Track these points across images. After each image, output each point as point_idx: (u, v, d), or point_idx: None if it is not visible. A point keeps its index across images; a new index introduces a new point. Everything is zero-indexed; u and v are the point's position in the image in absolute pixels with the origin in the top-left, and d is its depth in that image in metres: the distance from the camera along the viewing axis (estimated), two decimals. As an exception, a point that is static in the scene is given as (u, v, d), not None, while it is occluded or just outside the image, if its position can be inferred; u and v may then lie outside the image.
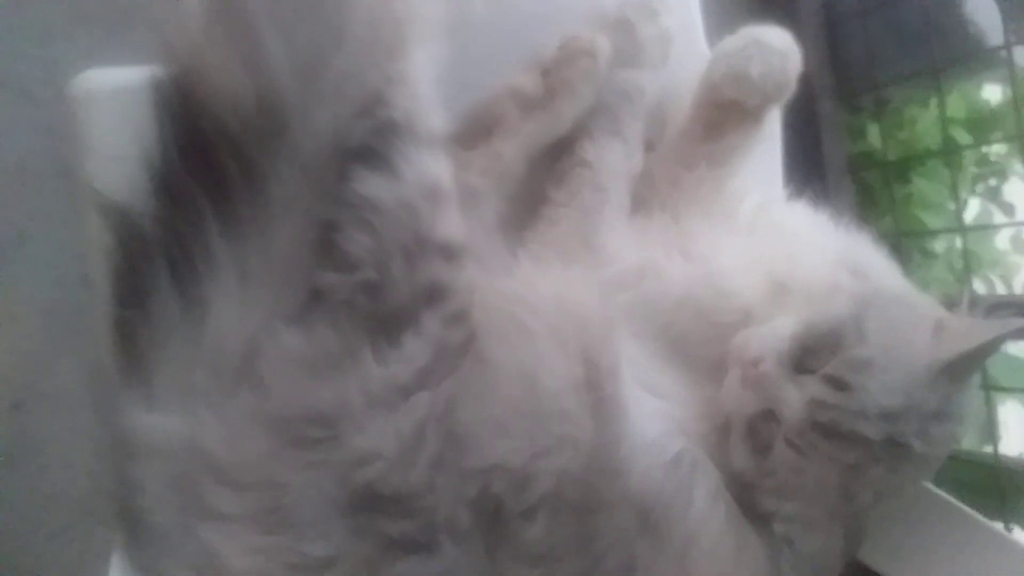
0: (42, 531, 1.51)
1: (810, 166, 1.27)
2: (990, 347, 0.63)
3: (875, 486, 0.66)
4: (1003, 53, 1.17)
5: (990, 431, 1.22)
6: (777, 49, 0.76)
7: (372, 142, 0.66)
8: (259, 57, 0.62)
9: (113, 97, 0.70)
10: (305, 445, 0.60)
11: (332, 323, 0.64)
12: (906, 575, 0.76)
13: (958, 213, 1.33)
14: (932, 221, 1.77)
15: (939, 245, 1.84)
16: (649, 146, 0.85)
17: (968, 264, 1.18)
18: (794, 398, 0.65)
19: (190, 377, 0.61)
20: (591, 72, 0.78)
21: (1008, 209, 1.91)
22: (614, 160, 0.80)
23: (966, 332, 0.65)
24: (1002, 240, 1.99)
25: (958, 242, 1.81)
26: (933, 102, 1.50)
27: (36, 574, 1.50)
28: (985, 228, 1.67)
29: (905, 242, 1.69)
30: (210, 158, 0.64)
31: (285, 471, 0.60)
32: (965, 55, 1.27)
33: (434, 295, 0.65)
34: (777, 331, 0.68)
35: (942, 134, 1.59)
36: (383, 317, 0.64)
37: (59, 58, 1.43)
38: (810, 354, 0.66)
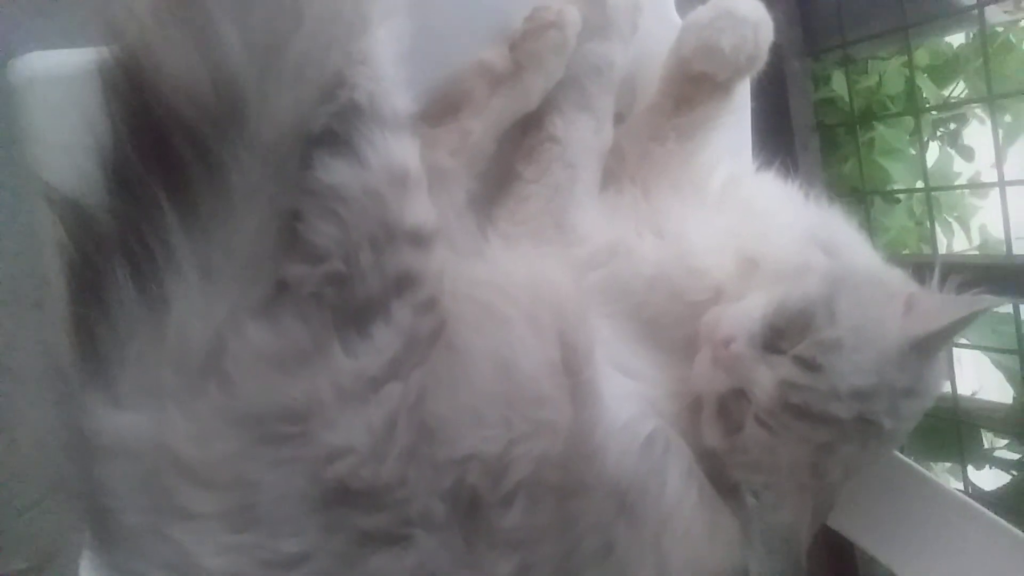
0: (12, 506, 1.49)
1: (777, 125, 1.26)
2: (960, 324, 0.64)
3: (845, 462, 0.67)
4: (975, 12, 1.15)
5: (948, 376, 1.24)
6: (749, 20, 0.74)
7: (335, 127, 0.64)
8: (213, 40, 0.59)
9: (57, 81, 0.66)
10: (275, 442, 0.59)
11: (299, 315, 0.62)
12: (873, 540, 0.78)
13: (923, 163, 1.33)
14: (893, 167, 1.78)
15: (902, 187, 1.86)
16: (619, 118, 0.84)
17: (932, 215, 1.18)
18: (765, 378, 0.65)
19: (155, 375, 0.60)
20: (559, 45, 0.76)
21: (967, 153, 1.94)
22: (584, 135, 0.79)
23: (937, 309, 0.65)
24: (961, 183, 2.03)
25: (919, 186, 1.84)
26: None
27: (7, 550, 1.48)
28: (952, 188, 1.66)
29: (867, 186, 1.71)
30: (165, 146, 0.61)
31: (255, 469, 0.59)
32: (935, 13, 1.26)
33: (404, 283, 0.64)
34: (748, 310, 0.68)
35: (907, 88, 1.58)
36: (352, 308, 0.63)
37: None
38: (781, 334, 0.66)
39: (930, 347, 0.65)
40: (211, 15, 0.59)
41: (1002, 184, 1.04)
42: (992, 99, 1.06)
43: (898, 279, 0.70)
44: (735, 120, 0.84)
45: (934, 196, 1.96)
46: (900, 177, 1.83)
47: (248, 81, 0.60)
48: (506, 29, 0.78)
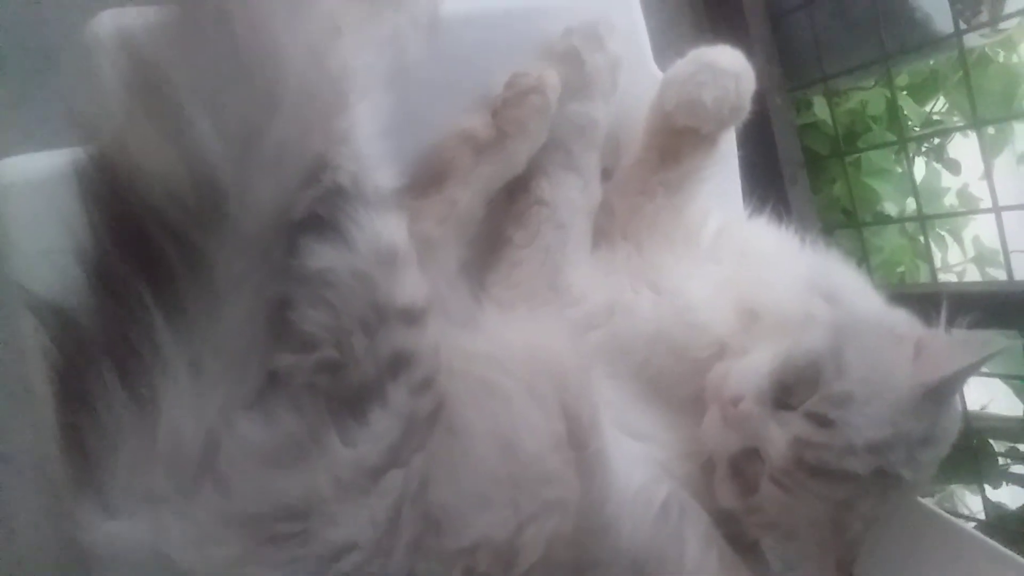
0: (12, 600, 1.45)
1: (764, 161, 1.26)
2: (973, 368, 0.62)
3: (866, 516, 0.65)
4: (955, 40, 1.16)
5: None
6: (730, 71, 0.74)
7: (319, 211, 0.63)
8: (188, 133, 0.59)
9: (33, 186, 0.65)
10: (276, 542, 0.57)
11: (293, 406, 0.60)
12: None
13: (914, 188, 1.32)
14: (882, 187, 1.78)
15: (891, 208, 1.87)
16: (606, 174, 0.83)
17: (928, 243, 1.17)
18: (777, 437, 0.64)
19: (148, 479, 0.58)
20: (542, 109, 0.75)
21: (954, 167, 1.94)
22: (572, 196, 0.78)
23: (948, 353, 0.64)
24: (950, 198, 2.04)
25: (909, 204, 1.84)
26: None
27: (7, 643, 1.44)
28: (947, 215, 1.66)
29: (858, 209, 1.71)
30: (146, 244, 0.60)
31: (259, 572, 0.56)
32: (914, 42, 1.27)
33: (399, 365, 0.63)
34: (754, 367, 0.66)
35: (888, 110, 1.58)
36: (347, 395, 0.61)
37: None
38: (790, 390, 0.64)
39: (944, 393, 0.63)
40: (184, 108, 0.58)
41: (997, 210, 1.04)
42: (977, 125, 1.06)
43: (904, 321, 0.69)
44: (722, 169, 0.83)
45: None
46: (889, 196, 1.84)
47: (227, 173, 0.59)
48: (487, 94, 0.78)
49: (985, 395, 1.81)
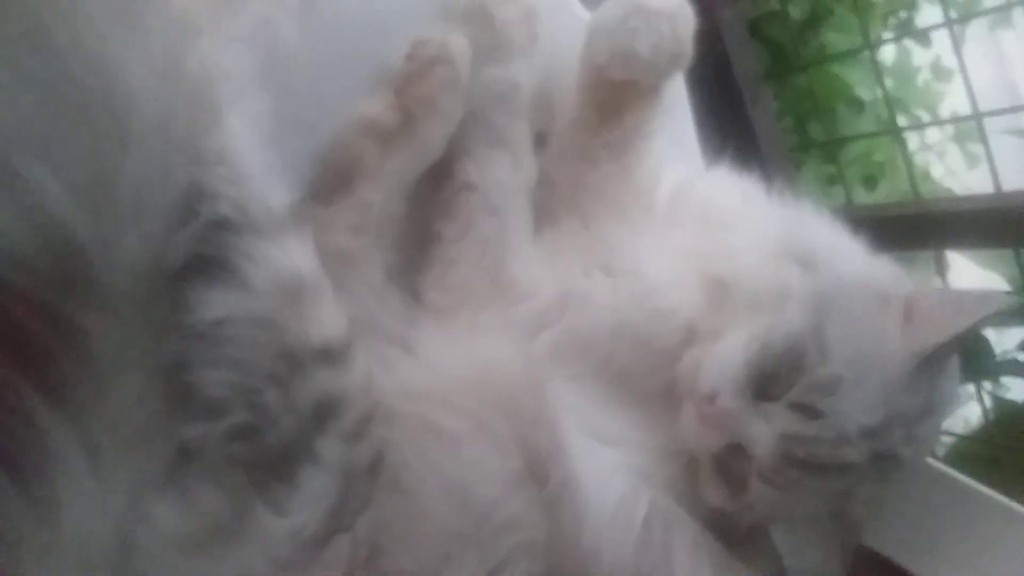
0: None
1: (720, 85, 1.18)
2: (971, 330, 0.57)
3: (866, 500, 0.61)
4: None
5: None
6: (663, 12, 0.65)
7: (203, 250, 0.55)
8: (26, 192, 0.50)
9: None
10: None
11: (212, 480, 0.55)
12: (913, 556, 0.72)
13: (887, 103, 1.25)
14: (849, 74, 1.72)
15: (865, 93, 1.81)
16: (541, 140, 0.76)
17: (909, 163, 1.11)
18: (762, 432, 0.59)
19: None
20: (451, 81, 0.67)
21: (923, 39, 1.88)
22: (503, 175, 0.71)
23: (941, 313, 0.59)
24: (924, 73, 1.98)
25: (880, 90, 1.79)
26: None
27: None
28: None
29: (829, 98, 1.63)
30: (11, 327, 0.52)
31: None
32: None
33: (325, 413, 0.57)
34: (728, 355, 0.61)
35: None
36: (270, 459, 0.55)
37: None
38: (770, 379, 0.60)
39: (940, 359, 0.58)
40: (16, 166, 0.49)
41: (978, 116, 0.97)
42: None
43: (890, 278, 0.64)
44: (673, 119, 0.76)
45: (899, 99, 1.92)
46: (859, 82, 1.77)
47: (81, 230, 0.51)
48: (387, 71, 0.69)
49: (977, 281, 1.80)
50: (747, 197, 0.72)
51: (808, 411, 0.57)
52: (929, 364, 0.58)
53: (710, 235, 0.69)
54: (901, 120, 1.88)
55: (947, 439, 1.20)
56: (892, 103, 1.69)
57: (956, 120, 1.54)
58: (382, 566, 0.54)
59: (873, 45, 1.18)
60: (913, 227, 0.98)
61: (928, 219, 0.96)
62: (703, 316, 0.65)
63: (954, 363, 0.63)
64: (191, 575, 0.53)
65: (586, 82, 0.72)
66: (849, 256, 0.65)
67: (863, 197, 1.70)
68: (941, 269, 1.10)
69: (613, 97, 0.71)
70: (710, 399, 0.60)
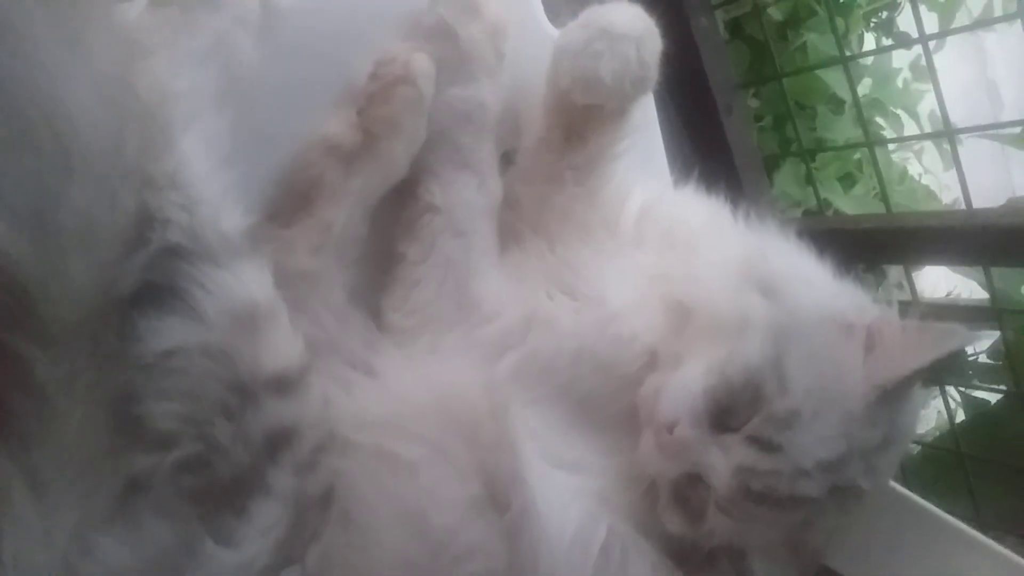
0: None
1: (694, 93, 1.16)
2: (934, 365, 0.56)
3: (825, 529, 0.61)
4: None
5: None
6: (629, 36, 0.64)
7: (153, 278, 0.54)
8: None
9: None
10: None
11: (161, 513, 0.53)
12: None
13: (859, 113, 1.23)
14: (829, 76, 1.71)
15: (846, 94, 1.79)
16: (508, 158, 0.75)
17: (880, 178, 1.10)
18: (719, 463, 0.58)
19: None
20: (414, 101, 0.66)
21: (904, 40, 1.87)
22: (468, 196, 0.69)
23: (903, 346, 0.58)
24: (904, 72, 1.97)
25: (864, 86, 1.76)
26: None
27: None
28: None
29: (808, 98, 1.61)
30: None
31: None
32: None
33: (277, 444, 0.56)
34: (687, 383, 0.60)
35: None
36: (221, 491, 0.54)
37: None
38: (728, 410, 0.59)
39: (900, 393, 0.57)
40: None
41: (950, 133, 0.96)
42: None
43: (853, 305, 0.63)
44: (642, 137, 0.74)
45: (878, 100, 1.91)
46: (840, 84, 1.76)
47: (23, 261, 0.50)
48: (347, 89, 0.67)
49: (951, 284, 1.80)
50: (713, 218, 0.71)
51: (766, 444, 0.56)
52: (889, 397, 0.57)
53: (675, 256, 0.69)
54: (879, 122, 1.89)
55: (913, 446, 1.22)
56: (869, 107, 1.69)
57: (929, 136, 1.53)
58: (332, 602, 0.53)
59: (849, 59, 1.16)
60: (883, 242, 0.97)
61: (899, 234, 0.96)
62: (664, 341, 0.65)
63: (916, 393, 0.63)
64: (136, 616, 0.52)
65: (551, 104, 0.71)
66: (811, 283, 0.64)
67: (840, 197, 1.69)
68: (909, 274, 1.10)
69: (578, 119, 0.70)
70: (668, 428, 0.59)
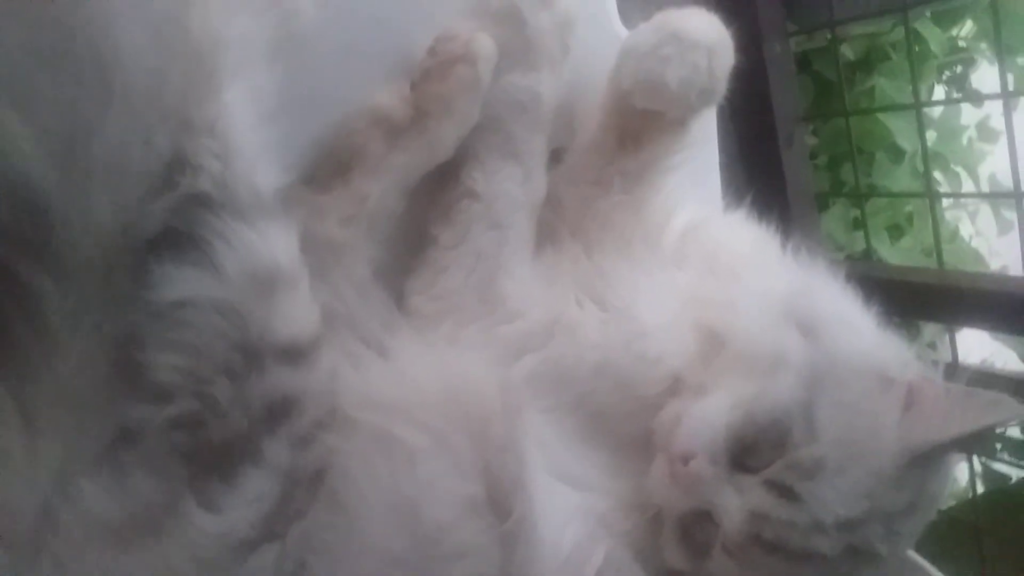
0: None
1: (757, 119, 1.12)
2: (974, 436, 0.53)
3: (833, 592, 0.56)
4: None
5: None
6: (701, 44, 0.61)
7: (177, 224, 0.52)
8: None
9: None
10: None
11: (150, 468, 0.51)
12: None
13: (926, 164, 1.19)
14: (894, 123, 1.67)
15: (907, 143, 1.75)
16: (556, 157, 0.72)
17: (935, 216, 1.06)
18: (732, 504, 0.55)
19: None
20: (471, 83, 0.63)
21: (975, 97, 1.82)
22: (510, 189, 0.67)
23: (945, 410, 0.55)
24: (970, 131, 1.92)
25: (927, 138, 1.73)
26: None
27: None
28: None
29: (868, 143, 1.56)
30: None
31: None
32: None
33: (277, 413, 0.54)
34: (710, 416, 0.57)
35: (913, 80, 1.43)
36: (212, 454, 0.52)
37: None
38: (750, 450, 0.56)
39: (933, 460, 0.54)
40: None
41: (1018, 195, 0.91)
42: (999, 45, 0.91)
43: (896, 360, 0.59)
44: (697, 155, 0.71)
45: (940, 154, 1.85)
46: (902, 133, 1.72)
47: (49, 186, 0.49)
48: (406, 62, 0.65)
49: (987, 350, 1.74)
50: (760, 247, 0.68)
51: (784, 491, 0.53)
52: (922, 462, 0.54)
53: (714, 282, 0.65)
54: (937, 178, 1.83)
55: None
56: (931, 161, 1.63)
57: (996, 196, 1.47)
58: (305, 583, 0.51)
59: (922, 104, 1.11)
60: (932, 298, 0.93)
61: (950, 292, 0.91)
62: (691, 367, 0.62)
63: (950, 461, 0.59)
64: (106, 563, 0.50)
65: (610, 105, 0.68)
66: (855, 329, 0.61)
67: (886, 247, 1.65)
68: (953, 335, 1.05)
69: (635, 125, 0.67)
70: (684, 459, 0.56)
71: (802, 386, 0.55)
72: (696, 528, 0.58)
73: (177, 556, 0.50)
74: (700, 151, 0.74)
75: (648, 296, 0.65)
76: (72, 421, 0.52)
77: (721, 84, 0.64)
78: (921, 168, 1.75)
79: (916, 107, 1.11)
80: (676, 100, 0.62)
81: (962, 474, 1.29)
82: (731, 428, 0.56)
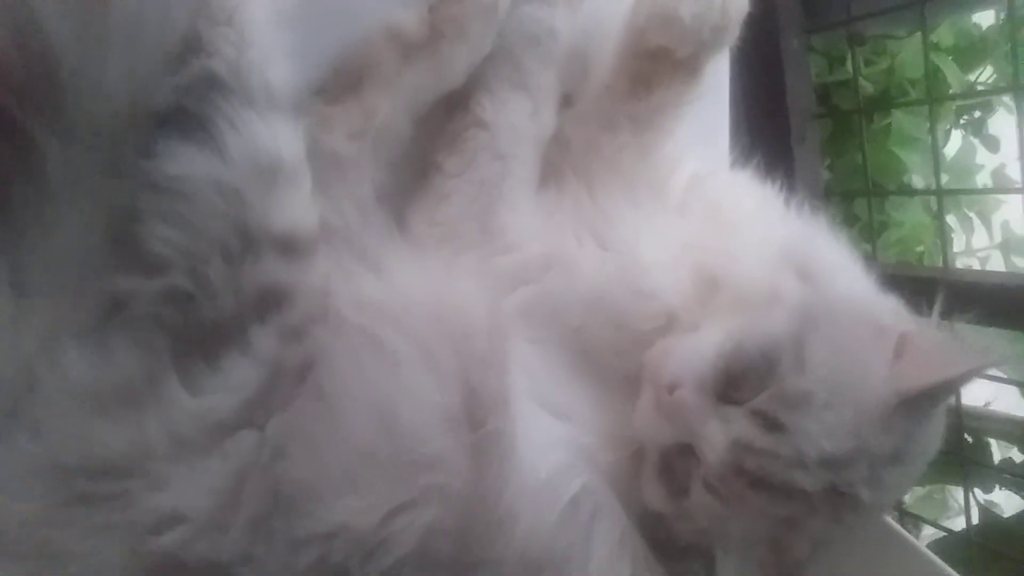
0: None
1: (771, 111, 1.13)
2: (962, 381, 0.52)
3: (813, 537, 0.57)
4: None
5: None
6: (716, -19, 0.61)
7: (187, 103, 0.53)
8: (14, 4, 0.47)
9: None
10: (87, 503, 0.49)
11: (134, 341, 0.52)
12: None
13: (936, 159, 1.19)
14: (909, 158, 1.66)
15: (918, 180, 1.75)
16: (566, 101, 0.72)
17: (943, 223, 1.05)
18: (716, 435, 0.55)
19: None
20: (487, 8, 0.64)
21: (992, 144, 1.81)
22: (517, 120, 0.67)
23: (935, 357, 0.54)
24: (983, 176, 1.91)
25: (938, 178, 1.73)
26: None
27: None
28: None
29: (882, 177, 1.56)
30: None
31: (64, 537, 0.49)
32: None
33: (268, 303, 0.54)
34: (700, 347, 0.57)
35: (925, 68, 1.44)
36: (198, 332, 0.52)
37: None
38: (737, 381, 0.55)
39: (922, 405, 0.53)
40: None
41: (1024, 190, 0.92)
42: (1017, 91, 0.93)
43: (890, 312, 0.59)
44: (708, 107, 0.71)
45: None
46: (917, 168, 1.72)
47: (65, 45, 0.49)
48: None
49: (989, 391, 1.72)
50: (764, 204, 0.68)
51: (769, 422, 0.53)
52: (911, 407, 0.53)
53: (715, 231, 0.65)
54: (950, 219, 1.82)
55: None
56: (947, 193, 1.63)
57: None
58: (281, 472, 0.50)
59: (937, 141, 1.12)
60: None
61: (952, 288, 0.90)
62: (686, 307, 0.61)
63: (938, 418, 0.58)
64: (82, 428, 0.49)
65: (625, 45, 0.68)
66: (854, 279, 0.61)
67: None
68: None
69: (648, 68, 0.67)
70: (670, 388, 0.56)
71: (795, 320, 0.55)
72: (677, 463, 0.58)
73: (153, 429, 0.50)
74: (710, 109, 0.74)
75: (648, 237, 0.65)
76: (63, 287, 0.52)
77: (734, 23, 0.64)
78: (934, 206, 1.76)
79: (929, 107, 1.11)
80: (688, 35, 0.63)
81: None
82: (720, 358, 0.55)
